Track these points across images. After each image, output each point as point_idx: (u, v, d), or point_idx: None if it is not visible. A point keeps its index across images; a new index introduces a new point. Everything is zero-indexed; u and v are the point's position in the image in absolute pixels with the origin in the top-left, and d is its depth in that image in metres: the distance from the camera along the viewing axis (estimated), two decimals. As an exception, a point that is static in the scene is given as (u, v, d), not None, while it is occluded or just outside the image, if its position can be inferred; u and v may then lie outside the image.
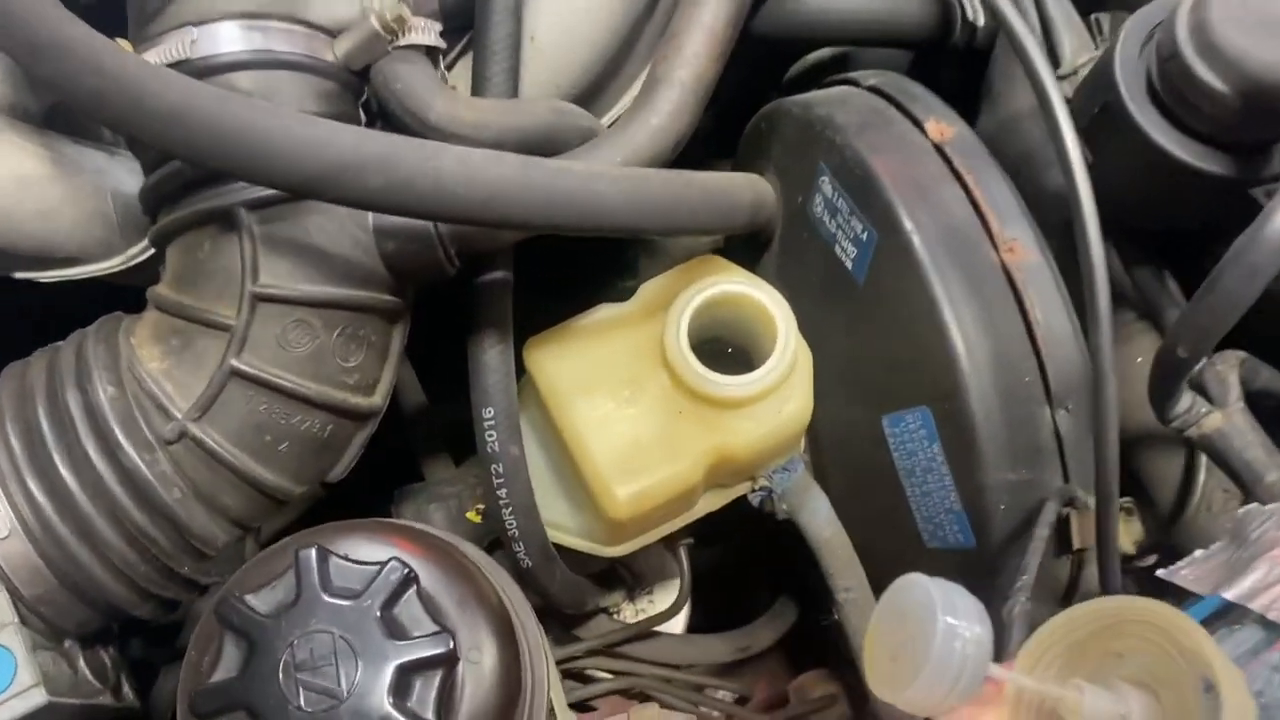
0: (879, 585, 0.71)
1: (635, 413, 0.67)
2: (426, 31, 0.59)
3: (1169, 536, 0.73)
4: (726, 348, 0.74)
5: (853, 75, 0.78)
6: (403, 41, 0.59)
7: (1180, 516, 0.72)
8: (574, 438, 0.66)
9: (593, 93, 0.68)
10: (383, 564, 0.51)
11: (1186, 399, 0.59)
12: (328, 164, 0.48)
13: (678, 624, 0.87)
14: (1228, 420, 0.58)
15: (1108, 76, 0.60)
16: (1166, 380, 0.56)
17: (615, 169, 0.55)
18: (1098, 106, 0.61)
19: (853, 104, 0.74)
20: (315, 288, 0.56)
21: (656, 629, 0.84)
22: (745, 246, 0.81)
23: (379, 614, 0.50)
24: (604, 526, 0.67)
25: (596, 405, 0.67)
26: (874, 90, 0.74)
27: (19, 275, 0.66)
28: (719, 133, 0.86)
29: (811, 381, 0.70)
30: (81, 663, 0.58)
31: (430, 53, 0.62)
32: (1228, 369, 0.61)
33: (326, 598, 0.50)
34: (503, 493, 0.65)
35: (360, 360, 0.59)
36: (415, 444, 0.82)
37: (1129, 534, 0.75)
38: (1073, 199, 0.55)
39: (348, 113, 0.59)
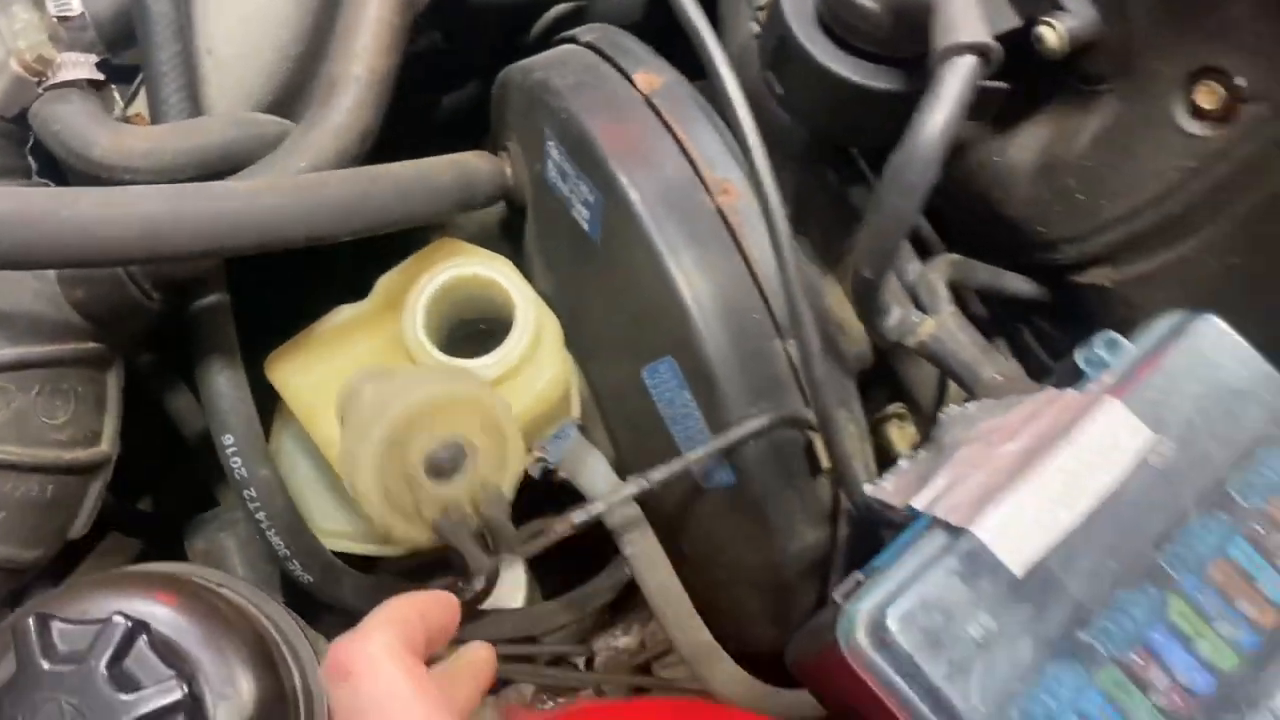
0: (670, 532, 0.73)
1: (387, 412, 0.66)
2: (79, 66, 0.57)
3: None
4: (480, 328, 0.73)
5: (573, 32, 0.77)
6: (54, 80, 0.56)
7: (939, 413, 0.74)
8: (328, 448, 0.66)
9: (292, 96, 0.67)
10: (106, 620, 0.51)
11: (897, 312, 0.60)
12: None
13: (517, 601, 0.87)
14: (940, 326, 0.60)
15: (778, 11, 0.60)
16: (866, 301, 0.57)
17: (286, 180, 0.54)
18: (774, 40, 0.61)
19: (570, 64, 0.73)
20: (2, 350, 0.54)
21: (488, 608, 0.85)
22: (509, 220, 0.81)
23: (105, 672, 0.49)
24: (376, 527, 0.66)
25: (348, 413, 0.66)
26: (589, 46, 0.74)
27: None
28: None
29: (562, 348, 0.70)
30: None
31: (96, 86, 0.59)
32: (936, 276, 0.62)
33: (49, 666, 0.49)
34: (261, 516, 0.64)
35: (70, 414, 0.57)
36: (203, 471, 0.81)
37: (903, 439, 0.77)
38: (739, 135, 0.55)
39: (9, 164, 0.57)
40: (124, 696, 0.49)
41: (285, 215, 0.53)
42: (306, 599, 0.70)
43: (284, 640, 0.59)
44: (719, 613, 0.72)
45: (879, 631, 0.44)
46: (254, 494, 0.63)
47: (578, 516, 0.62)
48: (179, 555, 0.80)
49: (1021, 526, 0.45)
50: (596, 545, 0.80)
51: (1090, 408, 0.47)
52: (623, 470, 0.74)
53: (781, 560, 0.67)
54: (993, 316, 0.71)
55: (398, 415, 0.56)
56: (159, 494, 0.88)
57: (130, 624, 0.51)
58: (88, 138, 0.56)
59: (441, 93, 1.00)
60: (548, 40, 0.92)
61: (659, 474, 0.62)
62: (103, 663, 0.49)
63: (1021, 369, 0.59)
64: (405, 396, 0.56)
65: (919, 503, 0.48)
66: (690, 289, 0.62)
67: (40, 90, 0.56)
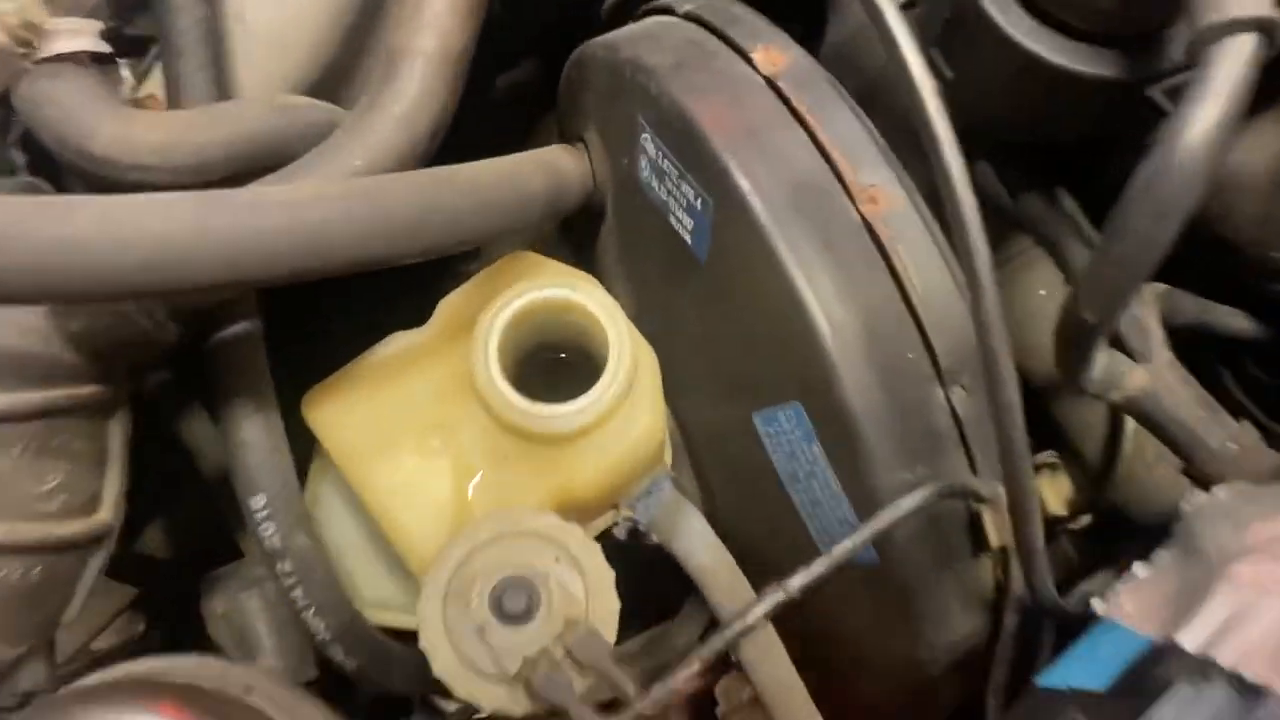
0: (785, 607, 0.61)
1: (448, 464, 0.54)
2: (78, 35, 0.45)
3: (1104, 492, 0.63)
4: (559, 352, 0.61)
5: (667, 0, 0.65)
6: (46, 52, 0.44)
7: (1111, 471, 0.62)
8: (378, 507, 0.54)
9: (342, 75, 0.54)
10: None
11: (1102, 358, 0.48)
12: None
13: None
14: (1155, 378, 0.48)
15: (956, -29, 0.47)
16: (1077, 349, 0.45)
17: (336, 186, 0.42)
18: (948, 11, 0.48)
19: (666, 39, 0.61)
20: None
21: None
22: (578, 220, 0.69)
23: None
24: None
25: (400, 463, 0.54)
26: (690, 18, 0.61)
27: None
28: (550, 84, 0.72)
29: (659, 391, 0.58)
30: None
31: (99, 60, 0.47)
32: (1147, 312, 0.50)
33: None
34: (298, 594, 0.52)
35: (64, 477, 0.45)
36: (227, 519, 0.69)
37: (1057, 494, 0.65)
38: (925, 133, 0.42)
39: (-12, 158, 0.45)
40: None
41: (338, 234, 0.40)
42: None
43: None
44: (839, 706, 0.60)
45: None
46: (289, 568, 0.51)
47: (706, 651, 0.50)
48: (184, 603, 0.69)
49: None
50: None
51: None
52: (716, 526, 0.62)
53: (928, 655, 0.55)
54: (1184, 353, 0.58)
55: (446, 557, 0.46)
56: (165, 530, 0.76)
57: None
58: (87, 126, 0.44)
59: (496, 70, 0.88)
60: (626, 13, 0.80)
61: (799, 580, 0.49)
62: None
63: (1258, 435, 0.47)
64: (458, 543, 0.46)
65: (1191, 642, 0.36)
66: (827, 319, 0.50)
67: (28, 65, 0.44)
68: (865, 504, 0.52)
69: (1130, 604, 0.40)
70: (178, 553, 0.74)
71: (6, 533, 0.43)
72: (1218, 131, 0.37)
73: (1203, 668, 0.35)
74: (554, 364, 0.62)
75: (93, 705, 0.42)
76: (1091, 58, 0.45)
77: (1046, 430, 0.65)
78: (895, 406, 0.50)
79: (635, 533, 0.60)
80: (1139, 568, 0.41)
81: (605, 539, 0.62)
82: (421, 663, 0.60)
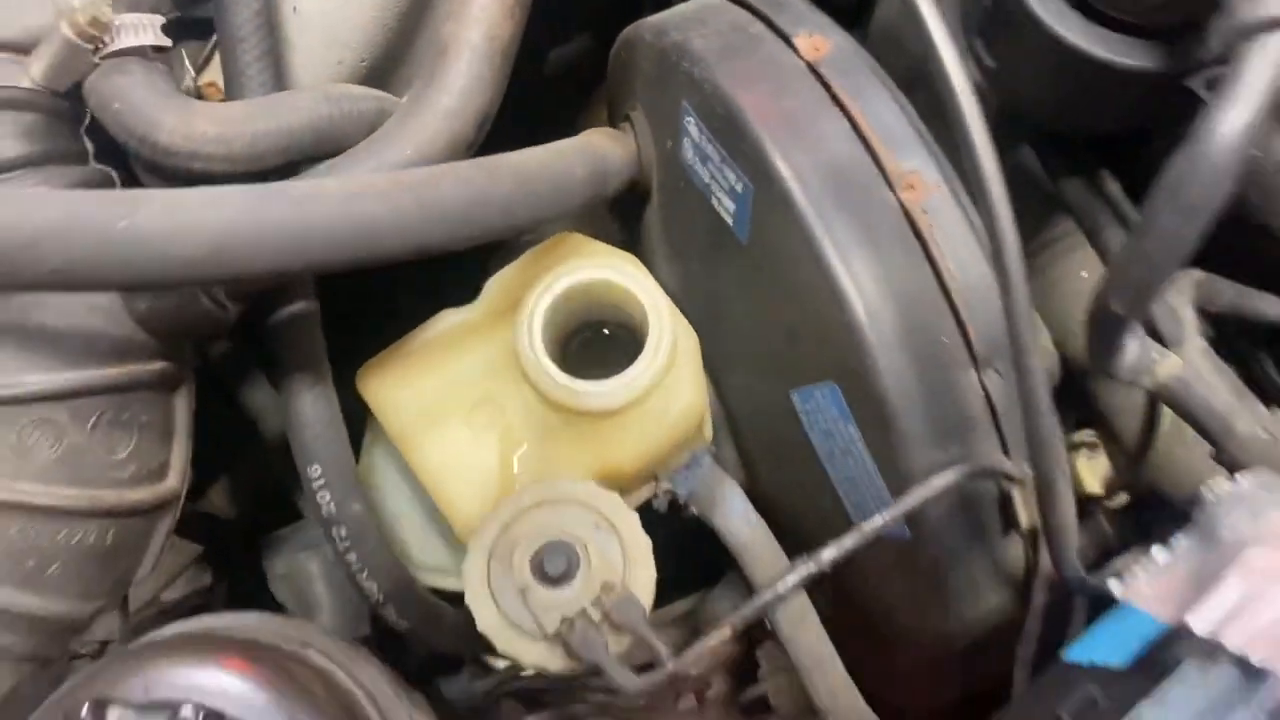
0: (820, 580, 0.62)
1: (495, 438, 0.56)
2: (142, 30, 0.47)
3: (1141, 473, 0.64)
4: (603, 328, 0.63)
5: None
6: (113, 47, 0.47)
7: (1148, 451, 0.62)
8: (428, 477, 0.56)
9: (393, 65, 0.56)
10: (173, 707, 0.42)
11: (1134, 346, 0.48)
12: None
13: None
14: (1186, 365, 0.48)
15: (997, -39, 0.48)
16: (1105, 338, 0.45)
17: (388, 178, 0.44)
18: (990, 1, 0.49)
19: (713, 23, 0.62)
20: (49, 376, 0.45)
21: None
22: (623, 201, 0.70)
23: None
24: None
25: (449, 436, 0.57)
26: (737, 1, 0.62)
27: None
28: (603, 59, 0.73)
29: (700, 369, 0.60)
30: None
31: (159, 54, 0.49)
32: (1180, 300, 0.50)
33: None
34: (352, 557, 0.55)
35: (134, 447, 0.48)
36: (285, 481, 0.72)
37: (1094, 473, 0.66)
38: (958, 130, 0.43)
39: (63, 148, 0.48)
40: (192, 806, 0.40)
41: (389, 225, 0.42)
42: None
43: (378, 713, 0.50)
44: (870, 675, 0.62)
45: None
46: (343, 533, 0.54)
47: (737, 619, 0.52)
48: (248, 559, 0.72)
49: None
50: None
51: None
52: (757, 499, 0.64)
53: (959, 628, 0.56)
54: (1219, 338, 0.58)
55: (491, 521, 0.49)
56: (229, 491, 0.80)
57: (203, 713, 0.42)
58: (151, 118, 0.46)
59: (548, 46, 0.89)
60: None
61: (830, 553, 0.51)
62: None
63: (1286, 423, 0.47)
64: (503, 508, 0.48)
65: (1200, 625, 0.37)
66: (864, 302, 0.51)
67: (97, 60, 0.47)
68: (899, 482, 0.53)
69: (1148, 587, 0.41)
70: (241, 512, 0.77)
71: (85, 499, 0.47)
72: (1246, 131, 0.37)
73: (1210, 649, 0.36)
74: (598, 337, 0.64)
75: (163, 658, 0.45)
76: (1131, 49, 0.46)
77: (1087, 410, 0.65)
78: (929, 389, 0.52)
79: (675, 505, 0.62)
80: (1157, 552, 0.42)
81: (645, 510, 0.64)
82: (470, 624, 0.63)
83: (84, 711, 0.42)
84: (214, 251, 0.39)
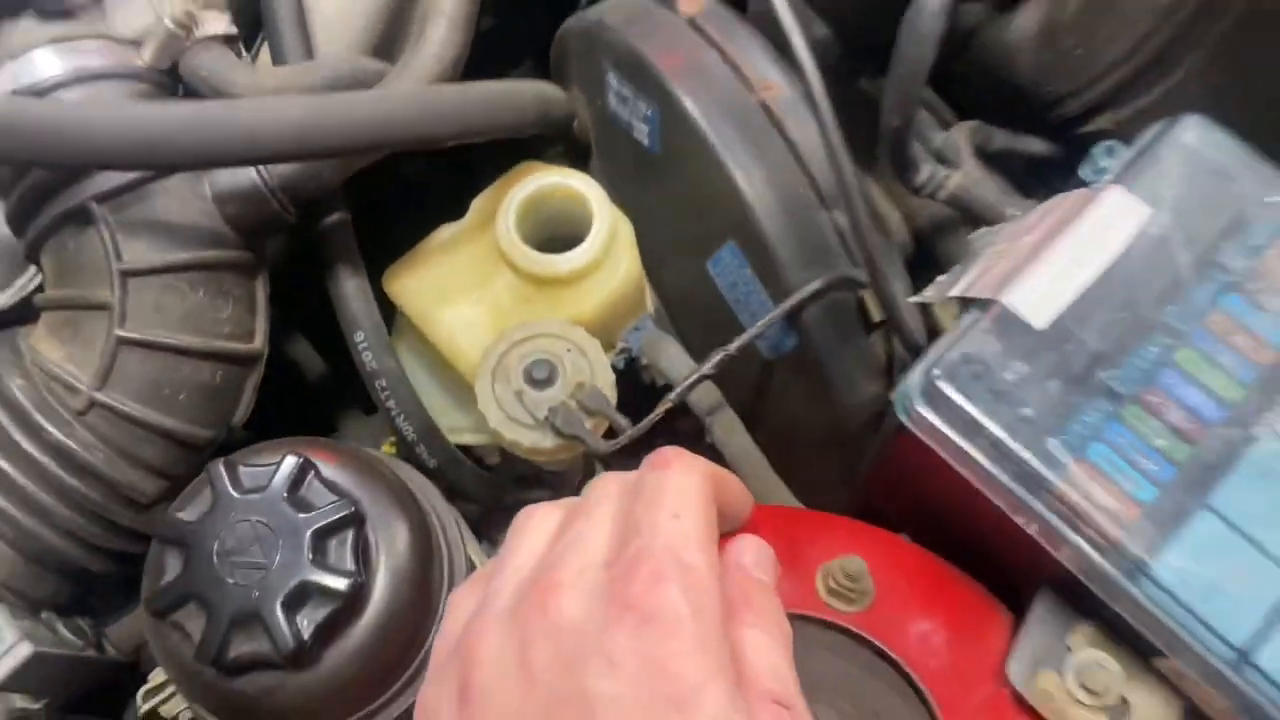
0: (748, 409, 0.81)
1: (488, 309, 0.76)
2: (217, 22, 0.68)
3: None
4: (564, 244, 0.83)
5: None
6: (199, 35, 0.68)
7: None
8: (444, 343, 0.76)
9: (388, 44, 0.78)
10: (280, 460, 0.61)
11: (927, 169, 0.69)
12: (146, 135, 0.57)
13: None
14: (966, 176, 0.69)
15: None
16: (897, 150, 0.66)
17: (401, 90, 0.65)
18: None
19: (621, 6, 0.83)
20: (173, 255, 0.65)
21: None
22: (569, 157, 0.91)
23: (285, 496, 0.59)
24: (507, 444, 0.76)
25: (457, 312, 0.76)
26: (634, -9, 0.84)
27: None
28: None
29: (635, 247, 0.80)
30: (60, 627, 0.67)
31: (228, 41, 0.71)
32: (960, 136, 0.71)
33: (238, 495, 0.59)
34: (391, 403, 0.74)
35: (230, 311, 0.68)
36: (324, 401, 0.91)
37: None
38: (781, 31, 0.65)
39: (167, 106, 0.69)
40: (302, 515, 0.59)
41: (402, 118, 0.63)
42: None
43: (428, 500, 0.69)
44: (796, 480, 0.80)
45: (930, 390, 0.53)
46: (384, 384, 0.73)
47: (672, 395, 0.71)
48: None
49: (1040, 291, 0.53)
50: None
51: (1095, 195, 0.56)
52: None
53: (845, 414, 0.75)
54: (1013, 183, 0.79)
55: (491, 350, 0.69)
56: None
57: (301, 460, 0.61)
58: (230, 78, 0.67)
59: (499, 73, 1.11)
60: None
61: (735, 344, 0.70)
62: (283, 490, 0.59)
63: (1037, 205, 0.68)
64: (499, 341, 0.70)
65: (955, 290, 0.57)
66: (744, 174, 0.71)
67: (188, 44, 0.68)
68: (784, 300, 0.73)
69: (931, 291, 0.61)
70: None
71: (202, 344, 0.66)
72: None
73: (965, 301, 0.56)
74: (564, 245, 0.84)
75: (268, 448, 0.64)
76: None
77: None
78: (796, 227, 0.71)
79: (630, 360, 0.82)
80: (940, 277, 0.62)
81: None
82: (482, 474, 0.81)
83: (220, 465, 0.60)
84: (293, 134, 0.60)
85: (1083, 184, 0.60)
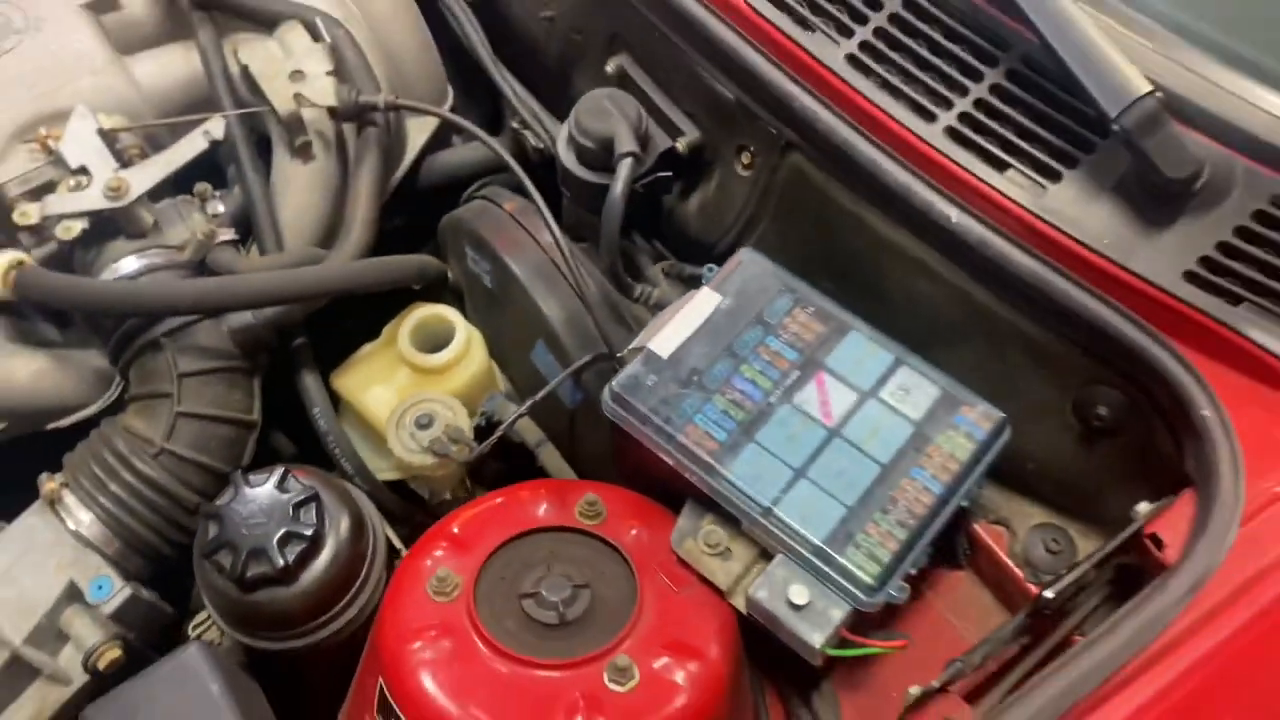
0: (568, 444, 1.29)
1: (394, 391, 1.26)
2: (226, 233, 1.20)
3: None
4: (439, 348, 1.33)
5: (477, 191, 1.42)
6: (216, 241, 1.19)
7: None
8: (369, 413, 1.25)
9: (329, 235, 1.29)
10: (273, 470, 1.08)
11: (640, 287, 1.21)
12: (191, 297, 1.07)
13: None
14: (662, 293, 1.21)
15: (558, 159, 1.24)
16: (616, 278, 1.18)
17: (335, 264, 1.16)
18: (562, 170, 1.24)
19: (472, 208, 1.37)
20: (207, 364, 1.14)
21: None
22: (453, 297, 1.43)
23: (276, 487, 1.06)
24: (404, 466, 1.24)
25: (375, 394, 1.26)
26: (483, 197, 1.38)
27: (49, 428, 1.22)
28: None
29: (485, 348, 1.30)
30: (142, 589, 1.12)
31: (233, 243, 1.22)
32: (659, 269, 1.23)
33: (249, 489, 1.06)
34: (336, 451, 1.22)
35: (240, 396, 1.17)
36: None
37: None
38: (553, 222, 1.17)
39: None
40: (285, 495, 1.06)
41: (337, 279, 1.14)
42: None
43: (362, 501, 1.17)
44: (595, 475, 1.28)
45: (614, 396, 1.03)
46: (332, 439, 1.22)
47: (501, 428, 1.19)
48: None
49: (666, 338, 1.04)
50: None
51: (697, 293, 1.07)
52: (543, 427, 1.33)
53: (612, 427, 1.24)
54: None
55: (396, 410, 1.18)
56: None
57: (285, 469, 1.08)
58: (236, 264, 1.17)
59: (411, 250, 1.64)
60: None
61: (539, 395, 1.19)
62: (274, 485, 1.07)
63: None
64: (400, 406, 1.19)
65: (634, 344, 1.07)
66: (544, 301, 1.23)
67: (211, 247, 1.18)
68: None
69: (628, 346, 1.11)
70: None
71: (224, 413, 1.14)
72: (622, 193, 1.12)
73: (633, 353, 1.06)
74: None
75: (265, 469, 1.11)
76: (594, 175, 1.21)
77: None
78: (576, 329, 1.22)
79: (488, 421, 1.30)
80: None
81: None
82: (394, 496, 1.29)
83: (237, 474, 1.07)
84: (278, 290, 1.10)
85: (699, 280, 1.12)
